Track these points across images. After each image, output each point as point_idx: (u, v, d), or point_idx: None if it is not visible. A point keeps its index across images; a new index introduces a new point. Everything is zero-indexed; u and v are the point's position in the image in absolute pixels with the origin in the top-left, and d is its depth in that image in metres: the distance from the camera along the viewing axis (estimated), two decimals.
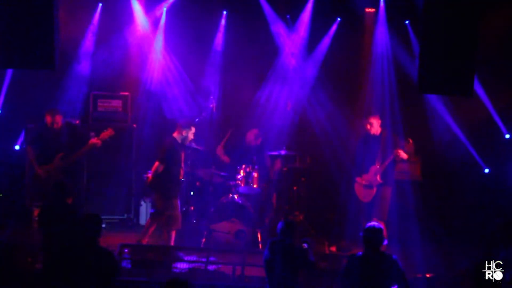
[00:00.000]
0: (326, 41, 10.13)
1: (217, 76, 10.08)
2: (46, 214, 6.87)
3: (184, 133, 8.16)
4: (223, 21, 10.13)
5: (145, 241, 8.10)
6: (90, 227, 5.72)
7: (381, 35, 9.88)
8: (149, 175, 8.10)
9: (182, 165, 8.30)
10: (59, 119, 8.39)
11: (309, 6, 9.90)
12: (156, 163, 8.04)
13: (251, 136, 9.59)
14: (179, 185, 8.24)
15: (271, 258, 6.19)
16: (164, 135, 9.88)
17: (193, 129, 8.24)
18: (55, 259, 5.77)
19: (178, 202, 8.14)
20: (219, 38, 10.14)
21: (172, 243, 8.06)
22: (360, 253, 6.02)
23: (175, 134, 8.18)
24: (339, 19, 10.11)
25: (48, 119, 8.41)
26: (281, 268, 6.10)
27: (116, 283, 6.87)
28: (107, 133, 8.46)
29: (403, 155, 8.46)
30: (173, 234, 8.13)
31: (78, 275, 5.53)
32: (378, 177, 8.58)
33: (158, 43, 10.04)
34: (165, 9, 9.99)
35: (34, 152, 8.33)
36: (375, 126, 8.58)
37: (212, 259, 7.78)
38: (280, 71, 10.13)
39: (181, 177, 8.31)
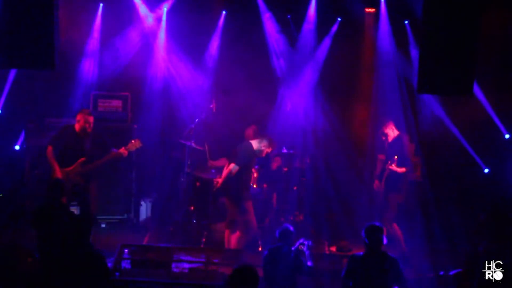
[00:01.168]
0: (327, 42, 10.11)
1: (218, 77, 10.08)
2: (41, 213, 6.88)
3: (262, 146, 8.11)
4: (222, 22, 10.13)
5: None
6: (79, 228, 5.69)
7: (383, 34, 9.87)
8: (219, 180, 8.11)
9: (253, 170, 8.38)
10: (92, 120, 8.03)
11: (312, 6, 9.89)
12: (231, 165, 7.99)
13: (250, 132, 9.58)
14: (249, 190, 8.25)
15: (269, 264, 6.19)
16: (164, 135, 9.95)
17: (270, 149, 8.21)
18: (48, 260, 5.76)
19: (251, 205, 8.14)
20: (219, 39, 10.13)
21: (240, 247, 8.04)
22: (361, 253, 6.03)
23: (253, 141, 8.16)
24: (339, 19, 10.10)
25: (81, 118, 7.99)
26: (278, 274, 6.09)
27: (116, 283, 6.89)
28: (135, 144, 8.24)
29: (396, 169, 8.40)
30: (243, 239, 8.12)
31: (69, 276, 5.51)
32: (380, 186, 8.64)
33: (159, 43, 10.04)
34: (165, 9, 9.98)
35: (54, 152, 7.97)
36: (390, 135, 8.60)
37: (212, 259, 7.79)
38: (280, 72, 10.13)
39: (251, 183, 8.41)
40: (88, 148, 8.00)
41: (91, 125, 8.01)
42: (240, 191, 8.03)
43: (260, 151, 8.11)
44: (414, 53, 9.71)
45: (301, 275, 6.33)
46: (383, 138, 8.67)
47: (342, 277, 6.02)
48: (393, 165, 8.38)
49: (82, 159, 7.95)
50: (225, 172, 8.06)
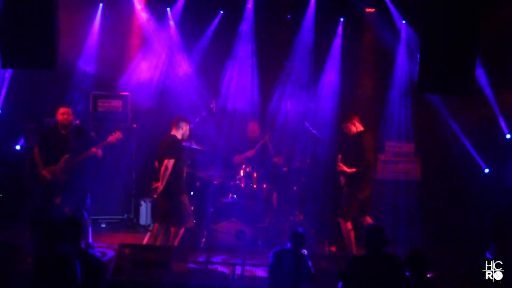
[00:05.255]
0: (335, 42, 10.10)
1: (218, 76, 10.09)
2: (35, 214, 6.90)
3: (183, 127, 8.15)
4: (221, 21, 10.15)
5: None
6: (68, 231, 5.66)
7: (388, 34, 9.91)
8: (159, 184, 7.98)
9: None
10: (68, 111, 8.15)
11: (311, 6, 9.89)
12: (165, 162, 7.90)
13: (254, 126, 9.60)
14: (184, 182, 8.23)
15: (278, 266, 6.12)
16: (164, 135, 9.94)
17: (188, 124, 8.25)
18: (42, 260, 5.77)
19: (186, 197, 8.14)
20: (218, 39, 10.15)
21: (176, 242, 8.05)
22: (363, 254, 6.02)
23: (174, 133, 8.14)
24: (342, 19, 10.09)
25: (58, 115, 8.15)
26: (288, 277, 6.04)
27: (116, 283, 6.89)
28: (116, 136, 8.34)
29: (345, 169, 8.25)
30: (181, 231, 8.10)
31: (61, 279, 5.51)
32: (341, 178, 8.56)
33: (159, 43, 10.05)
34: (168, 8, 10.02)
35: (40, 153, 8.14)
36: (352, 130, 8.39)
37: (212, 259, 7.78)
38: (281, 71, 10.14)
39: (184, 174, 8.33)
40: (72, 145, 8.10)
41: (69, 116, 8.13)
42: (177, 185, 7.99)
43: (185, 134, 8.20)
44: (403, 52, 9.78)
45: (304, 281, 6.27)
46: (346, 131, 8.47)
47: (343, 276, 5.99)
48: (339, 164, 8.28)
49: (67, 155, 8.04)
50: (161, 172, 7.90)
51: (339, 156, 8.36)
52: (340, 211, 8.44)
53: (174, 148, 8.00)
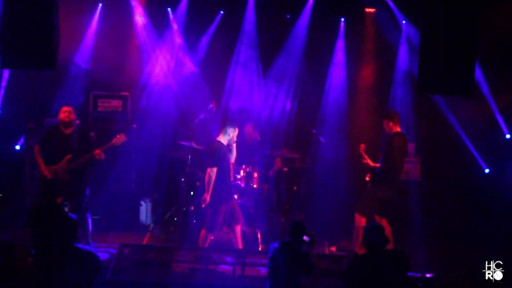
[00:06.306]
0: (337, 42, 10.10)
1: (218, 76, 10.09)
2: (36, 213, 6.91)
3: (230, 133, 8.01)
4: (221, 21, 10.16)
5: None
6: (64, 229, 5.75)
7: (390, 34, 9.91)
8: (206, 195, 7.88)
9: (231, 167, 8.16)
10: (69, 109, 8.09)
11: (310, 6, 9.91)
12: (208, 170, 7.84)
13: (250, 129, 9.60)
14: (230, 190, 8.14)
15: (280, 257, 6.12)
16: (165, 136, 9.96)
17: (237, 129, 8.10)
18: (43, 258, 5.83)
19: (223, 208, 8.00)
20: (218, 39, 10.16)
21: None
22: (364, 253, 6.02)
23: (220, 138, 8.02)
24: (342, 19, 10.09)
25: (60, 113, 8.11)
26: (288, 270, 6.05)
27: (116, 283, 6.90)
28: (120, 138, 8.30)
29: (368, 160, 8.30)
30: (210, 237, 8.04)
31: (59, 276, 5.60)
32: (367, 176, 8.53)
33: (159, 43, 10.07)
34: (169, 9, 10.04)
35: (41, 152, 8.12)
36: (386, 130, 8.40)
37: (212, 259, 7.78)
38: (280, 71, 10.14)
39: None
40: (74, 145, 8.07)
41: (70, 115, 8.08)
42: (221, 192, 7.91)
43: (232, 139, 8.05)
44: (404, 52, 9.80)
45: (304, 274, 6.27)
46: (384, 127, 8.40)
47: (344, 276, 5.98)
48: (364, 155, 8.31)
49: (69, 156, 8.01)
50: (206, 181, 7.85)
51: (363, 146, 8.36)
52: (358, 206, 8.44)
53: (215, 155, 7.89)
